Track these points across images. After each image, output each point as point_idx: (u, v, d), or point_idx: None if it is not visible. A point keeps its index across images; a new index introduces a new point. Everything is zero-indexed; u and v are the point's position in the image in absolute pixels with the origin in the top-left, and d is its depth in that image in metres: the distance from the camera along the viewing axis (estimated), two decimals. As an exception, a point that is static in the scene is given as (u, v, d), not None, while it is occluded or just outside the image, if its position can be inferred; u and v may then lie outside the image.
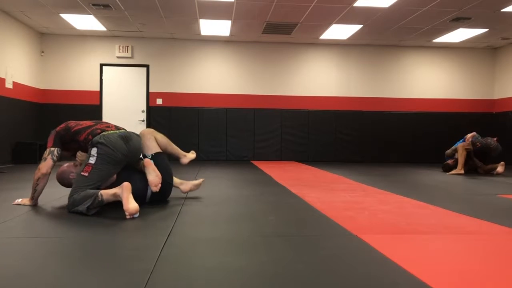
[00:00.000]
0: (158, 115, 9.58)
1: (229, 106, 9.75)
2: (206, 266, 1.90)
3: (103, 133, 3.18)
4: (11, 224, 2.69)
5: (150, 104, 9.59)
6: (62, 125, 3.34)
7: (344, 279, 1.77)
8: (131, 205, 2.86)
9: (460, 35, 8.82)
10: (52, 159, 3.20)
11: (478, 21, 7.78)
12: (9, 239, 2.37)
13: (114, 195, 2.92)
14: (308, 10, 7.33)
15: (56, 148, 3.22)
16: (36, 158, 7.91)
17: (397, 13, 7.41)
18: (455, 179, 6.14)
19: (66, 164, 3.46)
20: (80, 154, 3.39)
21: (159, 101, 9.58)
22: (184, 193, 3.83)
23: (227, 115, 9.75)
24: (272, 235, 2.53)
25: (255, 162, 8.98)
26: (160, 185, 3.26)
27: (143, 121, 9.58)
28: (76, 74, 9.41)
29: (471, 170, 7.07)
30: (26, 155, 8.00)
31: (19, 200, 3.34)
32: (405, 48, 10.06)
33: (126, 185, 2.91)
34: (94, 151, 3.06)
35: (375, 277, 1.79)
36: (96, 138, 3.12)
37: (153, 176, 3.24)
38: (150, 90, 9.59)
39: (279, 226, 2.79)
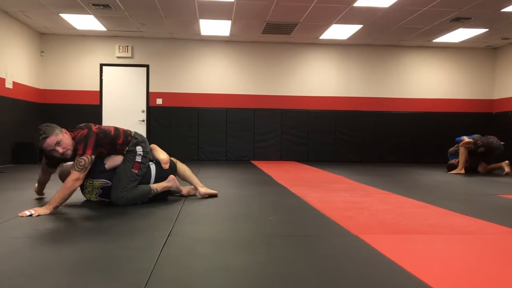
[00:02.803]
0: (158, 115, 9.58)
1: (229, 106, 9.75)
2: (206, 266, 1.91)
3: (133, 133, 3.48)
4: (11, 224, 2.69)
5: (150, 104, 9.59)
6: (95, 126, 3.21)
7: (344, 279, 1.77)
8: (162, 155, 3.59)
9: (460, 35, 8.82)
10: (85, 169, 3.04)
11: (478, 21, 7.78)
12: (9, 239, 2.37)
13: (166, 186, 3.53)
14: (308, 10, 7.33)
15: (93, 156, 3.08)
16: (36, 158, 7.90)
17: (397, 13, 7.41)
18: (455, 179, 6.14)
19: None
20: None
21: (159, 101, 9.58)
22: (201, 195, 3.90)
23: (227, 115, 9.75)
24: (272, 235, 2.54)
25: (255, 162, 8.98)
26: (169, 163, 3.64)
27: (143, 121, 9.58)
28: (76, 74, 9.41)
29: (471, 170, 7.06)
30: (26, 155, 8.00)
31: (33, 212, 2.88)
32: (405, 48, 10.06)
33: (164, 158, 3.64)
34: (139, 149, 3.38)
35: (375, 277, 1.79)
36: (138, 137, 3.42)
37: (164, 155, 3.64)
38: (150, 90, 9.59)
39: (279, 226, 2.79)
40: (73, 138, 3.12)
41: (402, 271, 1.85)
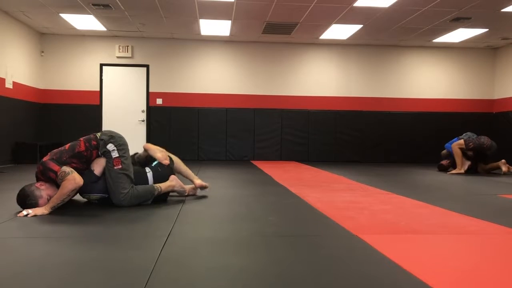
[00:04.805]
0: (158, 115, 9.58)
1: (229, 106, 9.75)
2: (206, 266, 1.91)
3: (98, 134, 3.39)
4: (11, 224, 2.69)
5: (150, 104, 9.59)
6: (45, 157, 3.18)
7: (344, 279, 1.77)
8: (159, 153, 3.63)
9: (460, 35, 8.82)
10: (72, 171, 3.08)
11: (478, 21, 7.78)
12: (9, 239, 2.37)
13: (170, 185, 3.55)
14: (308, 10, 7.33)
15: (63, 166, 3.08)
16: (36, 158, 7.91)
17: (397, 13, 7.41)
18: (455, 179, 6.14)
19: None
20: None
21: (159, 101, 9.58)
22: (196, 187, 3.96)
23: (227, 115, 9.75)
24: (272, 235, 2.54)
25: (255, 162, 8.98)
26: (168, 159, 3.67)
27: (143, 121, 9.58)
28: (76, 74, 9.41)
29: (471, 169, 7.07)
30: (26, 155, 8.00)
31: (30, 211, 2.95)
32: (405, 48, 10.06)
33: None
34: (111, 146, 3.30)
35: (375, 277, 1.79)
36: (104, 137, 3.32)
37: (160, 153, 3.66)
38: (150, 90, 9.59)
39: (279, 226, 2.79)
40: (45, 179, 3.13)
41: (402, 271, 1.85)
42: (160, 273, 1.78)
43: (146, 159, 3.72)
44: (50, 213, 2.99)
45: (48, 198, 3.09)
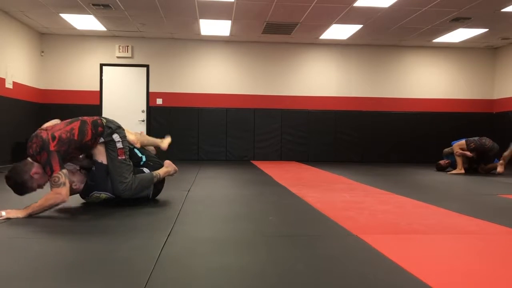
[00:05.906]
0: (158, 115, 9.58)
1: (229, 106, 9.75)
2: (206, 266, 1.91)
3: (103, 119, 3.36)
4: (11, 224, 2.68)
5: (150, 104, 9.59)
6: (53, 142, 2.96)
7: (344, 279, 1.77)
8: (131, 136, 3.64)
9: (460, 35, 8.82)
10: (69, 182, 2.96)
11: (478, 21, 7.78)
12: (9, 239, 2.37)
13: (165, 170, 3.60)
14: (308, 10, 7.33)
15: (65, 170, 2.96)
16: (36, 158, 7.89)
17: (397, 13, 7.41)
18: (455, 179, 6.14)
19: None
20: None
21: (159, 101, 9.58)
22: (164, 149, 4.22)
23: (227, 115, 9.75)
24: (272, 235, 2.54)
25: (255, 162, 8.98)
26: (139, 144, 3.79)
27: (143, 121, 9.58)
28: (76, 74, 9.41)
29: (471, 169, 7.07)
30: (26, 155, 7.99)
31: (4, 214, 2.80)
32: (405, 48, 10.06)
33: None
34: (116, 137, 3.30)
35: (375, 277, 1.79)
36: (111, 125, 3.33)
37: (132, 136, 3.69)
38: (150, 90, 9.59)
39: (279, 226, 2.79)
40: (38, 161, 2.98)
41: (402, 271, 1.85)
42: (160, 273, 1.78)
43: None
44: (50, 213, 2.97)
45: (37, 187, 2.99)
